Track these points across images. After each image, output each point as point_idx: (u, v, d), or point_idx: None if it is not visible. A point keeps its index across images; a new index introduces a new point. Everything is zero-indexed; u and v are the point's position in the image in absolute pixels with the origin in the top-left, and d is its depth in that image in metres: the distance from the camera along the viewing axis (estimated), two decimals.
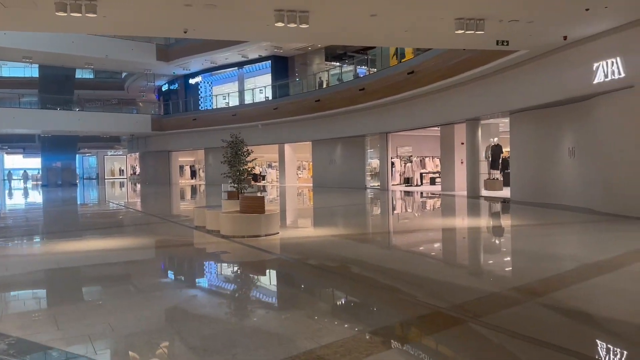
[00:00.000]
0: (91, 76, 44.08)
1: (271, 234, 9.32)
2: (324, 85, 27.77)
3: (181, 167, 42.84)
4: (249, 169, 10.46)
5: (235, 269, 7.31)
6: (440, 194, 20.67)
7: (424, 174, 27.23)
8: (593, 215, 11.44)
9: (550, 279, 5.41)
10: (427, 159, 27.79)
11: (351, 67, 26.99)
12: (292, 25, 9.60)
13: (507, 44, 11.95)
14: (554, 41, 12.16)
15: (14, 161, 54.02)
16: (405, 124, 22.12)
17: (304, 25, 9.68)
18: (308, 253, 8.02)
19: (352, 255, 7.72)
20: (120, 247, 9.18)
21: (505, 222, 11.89)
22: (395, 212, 15.83)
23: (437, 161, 27.95)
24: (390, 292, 5.29)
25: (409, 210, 16.36)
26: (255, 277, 6.73)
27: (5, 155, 54.82)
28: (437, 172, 27.08)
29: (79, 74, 40.43)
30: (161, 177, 39.53)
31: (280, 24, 9.60)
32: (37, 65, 35.80)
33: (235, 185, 10.29)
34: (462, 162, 21.45)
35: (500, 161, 21.56)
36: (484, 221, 12.89)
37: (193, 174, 44.96)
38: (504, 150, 22.09)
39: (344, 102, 24.02)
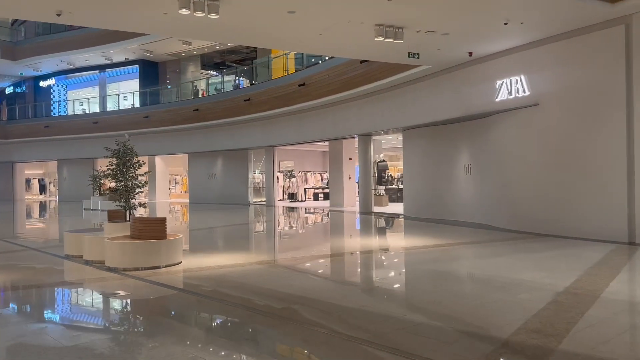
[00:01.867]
0: None
1: (172, 264, 7.63)
2: (200, 95, 25.90)
3: (28, 181, 37.26)
4: (140, 184, 8.66)
5: (150, 321, 5.54)
6: (331, 210, 20.00)
7: (307, 190, 26.57)
8: (498, 233, 11.36)
9: (546, 316, 4.60)
10: (309, 174, 27.22)
11: (232, 77, 25.55)
12: (200, 14, 8.10)
13: (418, 57, 11.61)
14: (459, 57, 12.10)
15: None
16: (295, 138, 21.23)
17: (213, 16, 8.23)
18: (238, 288, 6.44)
19: (297, 291, 6.12)
20: None
21: (426, 242, 10.71)
22: (302, 231, 14.65)
23: (319, 176, 27.57)
24: (382, 350, 4.10)
25: (312, 228, 15.32)
26: (189, 332, 5.09)
27: None
28: (321, 187, 26.65)
29: None
30: (2, 193, 33.93)
31: (185, 11, 8.03)
32: None
33: (123, 204, 8.40)
34: (349, 178, 21.14)
35: (386, 177, 21.71)
36: (401, 241, 12.20)
37: (42, 189, 39.38)
38: (389, 166, 22.32)
39: (226, 113, 22.45)
